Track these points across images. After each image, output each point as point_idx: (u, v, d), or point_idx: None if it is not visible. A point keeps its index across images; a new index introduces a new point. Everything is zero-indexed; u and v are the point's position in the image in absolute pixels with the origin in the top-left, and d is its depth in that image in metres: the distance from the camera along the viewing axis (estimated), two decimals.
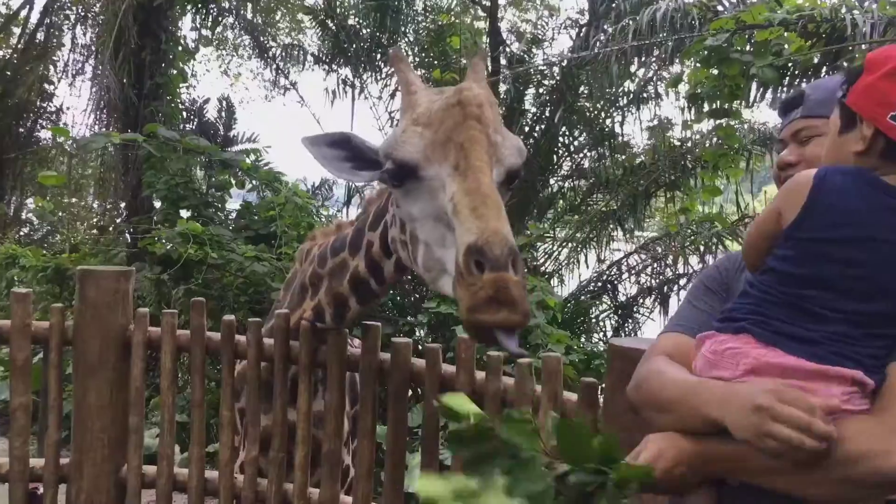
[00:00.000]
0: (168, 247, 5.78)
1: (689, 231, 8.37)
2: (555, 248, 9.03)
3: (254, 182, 6.88)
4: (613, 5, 8.88)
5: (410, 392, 5.35)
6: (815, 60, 4.97)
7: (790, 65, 4.82)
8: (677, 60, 6.44)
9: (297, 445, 2.67)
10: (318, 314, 2.54)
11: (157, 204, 6.87)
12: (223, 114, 11.49)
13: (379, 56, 9.29)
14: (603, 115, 8.90)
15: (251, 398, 2.76)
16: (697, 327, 1.60)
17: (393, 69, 2.15)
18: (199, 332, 2.91)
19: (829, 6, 5.43)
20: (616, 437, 1.25)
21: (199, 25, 10.79)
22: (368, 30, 9.47)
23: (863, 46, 4.95)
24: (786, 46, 4.95)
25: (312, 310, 2.55)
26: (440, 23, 9.03)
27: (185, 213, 6.50)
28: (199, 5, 9.81)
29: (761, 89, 5.39)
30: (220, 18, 10.35)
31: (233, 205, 7.36)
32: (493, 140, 1.85)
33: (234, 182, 6.81)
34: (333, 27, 9.53)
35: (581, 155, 9.26)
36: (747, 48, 5.07)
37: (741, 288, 1.70)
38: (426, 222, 1.87)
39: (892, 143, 1.34)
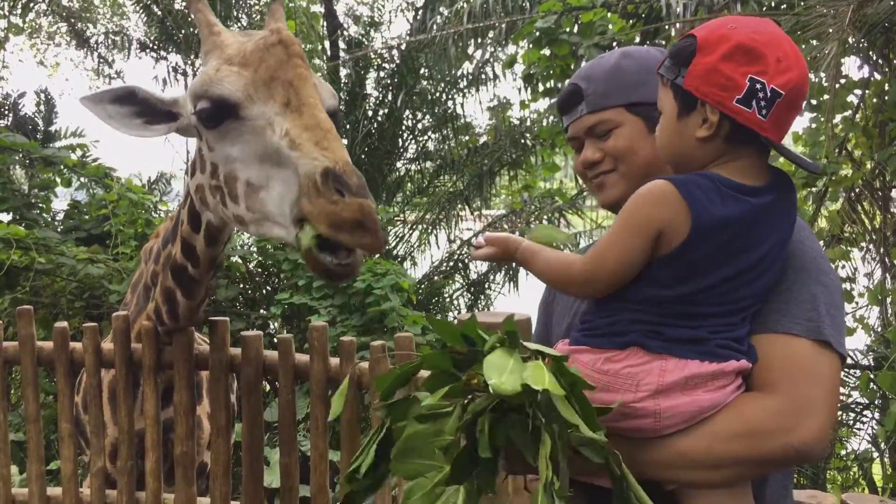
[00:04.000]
0: None
1: (533, 207, 8.69)
2: (405, 230, 9.09)
3: (82, 179, 6.45)
4: None
5: (268, 387, 5.28)
6: (637, 39, 5.27)
7: (614, 44, 5.09)
8: (511, 42, 6.63)
9: (147, 451, 2.55)
10: (158, 315, 2.42)
11: None
12: (42, 107, 10.60)
13: None
14: (444, 96, 9.03)
15: (92, 407, 2.61)
16: None
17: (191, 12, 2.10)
18: (27, 342, 2.71)
19: None
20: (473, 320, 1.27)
21: (7, 13, 9.92)
22: None
23: (677, 25, 5.31)
24: (609, 27, 5.23)
25: (153, 311, 2.43)
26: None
27: (5, 217, 6.01)
28: None
29: None
30: (31, 5, 9.55)
31: (60, 205, 6.88)
32: (314, 81, 1.84)
33: (59, 180, 6.36)
34: (159, 12, 9.04)
35: (426, 137, 9.35)
36: (574, 29, 5.31)
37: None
38: (250, 163, 1.81)
39: (739, 126, 1.30)
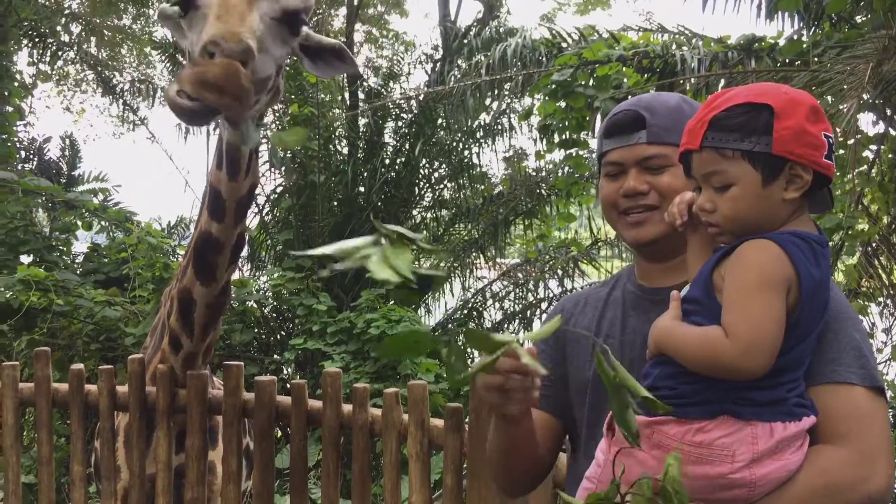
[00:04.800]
0: (7, 295, 5.37)
1: (548, 256, 8.70)
2: None
3: (103, 223, 6.55)
4: (465, 41, 9.18)
5: (280, 433, 5.25)
6: (652, 93, 5.34)
7: (629, 97, 5.15)
8: (527, 94, 6.73)
9: (157, 497, 2.54)
10: (174, 342, 2.43)
11: None
12: (66, 152, 10.83)
13: None
14: (461, 146, 9.12)
15: (104, 450, 2.61)
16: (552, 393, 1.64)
17: None
18: (43, 384, 2.73)
19: (660, 43, 5.87)
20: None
21: (36, 60, 10.19)
22: None
23: (692, 80, 5.38)
24: (624, 80, 5.31)
25: (169, 343, 2.44)
26: (295, 58, 8.96)
27: (25, 259, 6.09)
28: (37, 39, 9.27)
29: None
30: (59, 53, 9.80)
31: (80, 247, 6.97)
32: None
33: (80, 223, 6.45)
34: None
35: (442, 186, 9.42)
36: (590, 82, 5.39)
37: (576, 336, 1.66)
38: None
39: (822, 179, 1.33)
